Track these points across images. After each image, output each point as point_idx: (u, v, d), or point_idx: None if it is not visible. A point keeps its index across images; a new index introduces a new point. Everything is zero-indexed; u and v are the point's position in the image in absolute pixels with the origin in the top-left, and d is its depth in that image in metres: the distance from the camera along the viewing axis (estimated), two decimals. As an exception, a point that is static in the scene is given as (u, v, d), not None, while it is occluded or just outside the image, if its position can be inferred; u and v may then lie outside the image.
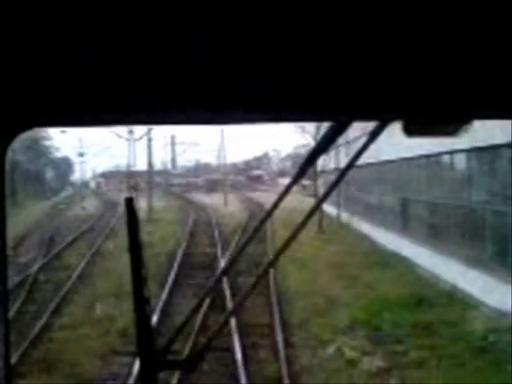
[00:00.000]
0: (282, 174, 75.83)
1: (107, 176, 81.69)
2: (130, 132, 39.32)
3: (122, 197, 47.79)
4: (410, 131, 1.19)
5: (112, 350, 9.28)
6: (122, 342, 9.51)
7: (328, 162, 28.20)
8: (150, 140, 39.82)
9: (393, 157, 19.02)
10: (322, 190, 39.95)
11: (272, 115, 1.20)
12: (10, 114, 1.21)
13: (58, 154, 70.99)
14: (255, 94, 1.13)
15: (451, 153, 14.39)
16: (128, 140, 40.93)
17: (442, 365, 8.43)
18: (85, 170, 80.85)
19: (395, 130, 1.23)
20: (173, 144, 72.06)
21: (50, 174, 69.72)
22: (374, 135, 1.37)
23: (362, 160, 1.58)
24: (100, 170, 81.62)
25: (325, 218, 23.99)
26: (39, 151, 59.75)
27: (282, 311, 11.70)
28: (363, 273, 15.09)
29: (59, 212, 38.64)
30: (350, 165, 1.47)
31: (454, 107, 1.13)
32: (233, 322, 9.89)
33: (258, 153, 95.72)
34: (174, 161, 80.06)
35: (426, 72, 1.10)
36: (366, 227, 23.06)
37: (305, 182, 47.94)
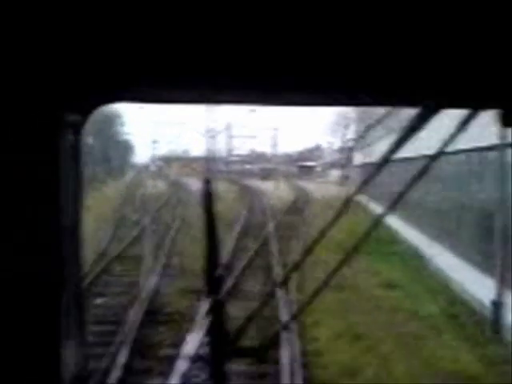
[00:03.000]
0: (333, 165, 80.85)
1: (167, 160, 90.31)
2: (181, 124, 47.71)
3: (184, 180, 56.39)
4: (508, 121, 1.15)
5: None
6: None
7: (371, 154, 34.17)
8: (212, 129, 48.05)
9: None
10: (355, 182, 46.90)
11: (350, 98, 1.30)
12: (87, 88, 1.31)
13: (122, 138, 79.86)
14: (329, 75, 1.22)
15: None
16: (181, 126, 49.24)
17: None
18: (144, 153, 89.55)
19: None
20: (229, 132, 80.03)
21: (115, 156, 78.55)
22: (463, 124, 1.30)
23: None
24: (159, 154, 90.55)
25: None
26: (107, 133, 68.17)
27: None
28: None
29: (134, 190, 47.44)
30: (438, 154, 1.39)
31: None
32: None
33: (311, 144, 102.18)
34: (230, 149, 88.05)
35: None
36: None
37: (347, 173, 55.23)
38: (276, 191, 46.71)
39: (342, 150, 66.27)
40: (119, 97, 1.38)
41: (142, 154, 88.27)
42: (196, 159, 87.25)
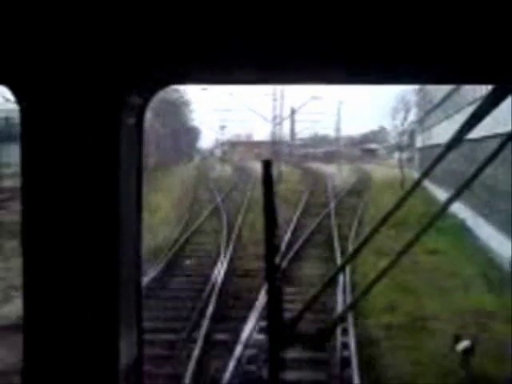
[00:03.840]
0: (396, 148, 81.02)
1: (231, 145, 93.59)
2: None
3: (249, 164, 59.23)
4: None
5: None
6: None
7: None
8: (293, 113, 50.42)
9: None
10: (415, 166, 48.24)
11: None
12: (150, 71, 1.33)
13: (190, 124, 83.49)
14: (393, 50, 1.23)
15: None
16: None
17: None
18: (208, 138, 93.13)
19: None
20: (292, 116, 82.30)
21: (183, 142, 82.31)
22: None
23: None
24: (223, 139, 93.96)
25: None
26: (176, 120, 71.81)
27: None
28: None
29: (204, 173, 50.79)
30: None
31: None
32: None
33: (375, 127, 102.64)
34: (293, 132, 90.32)
35: None
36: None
37: (410, 155, 56.62)
38: (338, 174, 49.05)
39: (404, 132, 67.16)
40: (180, 79, 1.42)
41: (206, 140, 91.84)
42: (259, 143, 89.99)
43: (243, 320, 11.08)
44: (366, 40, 1.25)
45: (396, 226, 23.03)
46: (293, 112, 78.65)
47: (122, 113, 1.33)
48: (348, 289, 12.94)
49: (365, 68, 1.29)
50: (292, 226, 21.34)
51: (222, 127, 70.09)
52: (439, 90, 34.78)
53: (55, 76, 1.31)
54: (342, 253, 16.84)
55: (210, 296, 12.47)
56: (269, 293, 1.45)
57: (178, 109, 67.14)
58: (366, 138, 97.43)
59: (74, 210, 1.33)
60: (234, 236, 19.39)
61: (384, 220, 1.54)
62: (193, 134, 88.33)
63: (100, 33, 1.29)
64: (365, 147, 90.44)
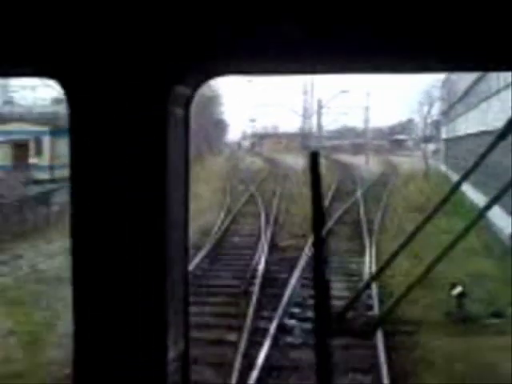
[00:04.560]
0: (426, 139, 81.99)
1: (259, 137, 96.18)
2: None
3: (277, 156, 61.79)
4: None
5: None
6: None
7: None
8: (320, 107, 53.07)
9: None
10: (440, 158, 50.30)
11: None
12: (198, 61, 1.35)
13: (219, 117, 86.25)
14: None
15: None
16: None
17: None
18: (236, 131, 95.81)
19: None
20: (319, 108, 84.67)
21: (213, 134, 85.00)
22: None
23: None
24: (251, 131, 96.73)
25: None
26: (207, 113, 74.43)
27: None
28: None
29: (234, 165, 53.77)
30: None
31: None
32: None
33: (404, 118, 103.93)
34: (320, 124, 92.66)
35: None
36: None
37: (432, 147, 58.78)
38: (365, 165, 51.72)
39: (429, 125, 68.52)
40: (227, 70, 1.42)
41: (234, 132, 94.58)
42: (287, 136, 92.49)
43: (287, 279, 14.10)
44: (396, 28, 1.27)
45: (418, 211, 25.83)
46: (320, 104, 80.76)
47: (170, 103, 1.36)
48: (373, 259, 15.89)
49: (396, 57, 1.31)
50: (324, 209, 24.19)
51: (252, 120, 72.69)
52: (463, 82, 37.05)
53: (103, 67, 1.36)
54: (369, 231, 19.77)
55: (258, 263, 15.50)
56: (316, 285, 1.45)
57: (209, 102, 69.87)
58: (395, 130, 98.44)
59: (122, 201, 1.37)
60: (271, 218, 22.40)
61: (426, 221, 1.61)
62: (221, 126, 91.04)
63: (149, 23, 1.33)
64: (393, 139, 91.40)
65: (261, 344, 10.11)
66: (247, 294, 13.10)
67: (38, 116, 43.88)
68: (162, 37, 1.34)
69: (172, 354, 1.40)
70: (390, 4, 1.26)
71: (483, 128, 27.23)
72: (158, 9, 1.33)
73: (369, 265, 15.11)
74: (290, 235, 19.76)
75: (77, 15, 1.34)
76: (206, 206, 25.20)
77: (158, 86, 1.35)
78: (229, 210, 24.66)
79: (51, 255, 15.81)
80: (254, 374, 8.91)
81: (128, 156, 1.36)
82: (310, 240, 18.51)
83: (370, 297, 12.21)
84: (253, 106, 76.94)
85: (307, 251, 16.79)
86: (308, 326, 11.17)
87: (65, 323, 10.22)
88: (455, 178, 37.41)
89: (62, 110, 47.68)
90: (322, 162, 54.53)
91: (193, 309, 11.79)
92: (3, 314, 11.50)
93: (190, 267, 14.15)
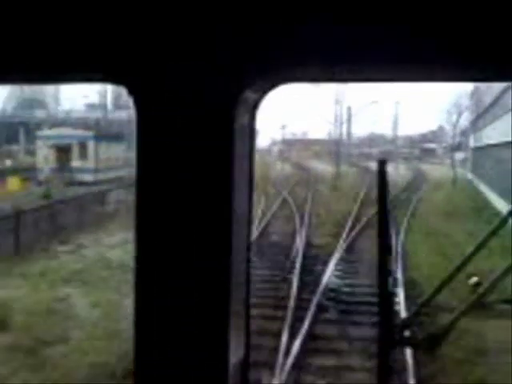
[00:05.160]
0: (456, 148, 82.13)
1: (287, 143, 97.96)
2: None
3: (307, 162, 63.42)
4: None
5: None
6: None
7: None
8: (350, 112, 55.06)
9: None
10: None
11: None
12: (265, 69, 1.35)
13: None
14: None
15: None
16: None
17: None
18: (266, 137, 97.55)
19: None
20: (349, 115, 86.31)
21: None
22: None
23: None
24: (277, 137, 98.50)
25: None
26: None
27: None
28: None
29: (266, 170, 55.72)
30: None
31: None
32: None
33: (434, 127, 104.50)
34: (349, 132, 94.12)
35: None
36: None
37: (460, 155, 60.13)
38: (394, 172, 53.59)
39: (457, 134, 69.18)
40: (293, 78, 1.43)
41: (264, 138, 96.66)
42: (316, 142, 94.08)
43: (322, 271, 16.25)
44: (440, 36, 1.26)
45: (444, 215, 27.77)
46: (350, 112, 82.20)
47: (238, 107, 1.37)
48: (400, 255, 17.96)
49: (440, 66, 1.28)
50: (353, 214, 26.38)
51: (283, 126, 74.72)
52: (491, 92, 38.78)
53: (170, 71, 1.36)
54: (396, 234, 21.82)
55: (296, 257, 17.68)
56: (380, 298, 1.45)
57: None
58: (425, 138, 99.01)
59: (187, 205, 1.38)
60: (305, 220, 24.56)
61: (478, 249, 1.59)
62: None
63: (221, 25, 1.33)
64: (423, 147, 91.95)
65: (303, 319, 12.28)
66: (286, 280, 15.27)
67: (74, 121, 46.65)
68: (234, 39, 1.35)
69: (233, 357, 1.40)
70: (426, 9, 1.26)
71: (506, 139, 29.15)
72: (231, 11, 1.35)
73: (395, 261, 17.18)
74: (322, 235, 21.90)
75: (144, 21, 1.38)
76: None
77: (227, 90, 1.36)
78: (264, 213, 26.86)
79: (113, 246, 18.15)
80: (298, 342, 11.09)
81: (194, 159, 1.38)
82: (341, 240, 20.64)
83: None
84: (282, 112, 78.38)
85: (339, 249, 18.98)
86: (342, 306, 13.34)
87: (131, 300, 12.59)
88: (480, 185, 39.03)
89: (95, 115, 50.28)
90: (352, 169, 56.58)
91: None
92: (83, 293, 13.82)
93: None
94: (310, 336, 11.63)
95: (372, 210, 28.66)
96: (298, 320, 12.24)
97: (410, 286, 14.78)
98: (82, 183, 32.74)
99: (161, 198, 1.40)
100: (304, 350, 10.89)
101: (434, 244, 19.23)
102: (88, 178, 35.46)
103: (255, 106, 1.45)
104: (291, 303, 13.31)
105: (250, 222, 1.48)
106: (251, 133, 1.46)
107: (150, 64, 1.38)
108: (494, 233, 1.57)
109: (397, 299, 13.47)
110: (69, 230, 20.23)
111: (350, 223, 24.08)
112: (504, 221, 1.63)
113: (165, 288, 1.39)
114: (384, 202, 1.43)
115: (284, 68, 1.36)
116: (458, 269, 1.62)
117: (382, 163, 1.42)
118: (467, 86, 48.26)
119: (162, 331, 1.39)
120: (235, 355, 1.42)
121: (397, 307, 13.08)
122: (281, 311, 12.95)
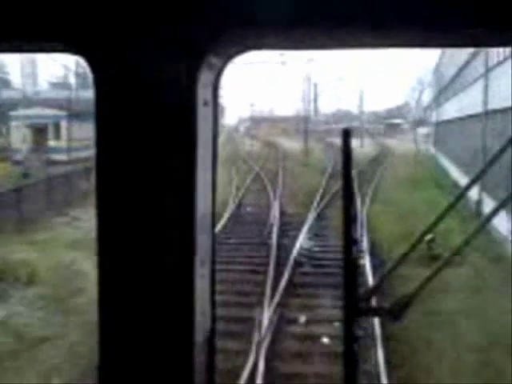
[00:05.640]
0: (420, 123, 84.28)
1: (255, 121, 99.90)
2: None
3: (275, 139, 65.66)
4: None
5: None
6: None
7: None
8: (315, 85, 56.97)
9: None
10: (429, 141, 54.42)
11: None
12: (227, 34, 1.34)
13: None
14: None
15: None
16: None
17: None
18: (232, 115, 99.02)
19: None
20: (315, 92, 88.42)
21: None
22: None
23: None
24: (246, 115, 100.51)
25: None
26: None
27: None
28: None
29: (234, 148, 57.84)
30: None
31: None
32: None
33: (400, 102, 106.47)
34: (316, 109, 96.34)
35: None
36: None
37: (424, 130, 62.73)
38: (359, 148, 56.19)
39: (424, 109, 71.38)
40: (257, 43, 1.42)
41: (231, 115, 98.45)
42: (282, 119, 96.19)
43: (296, 235, 18.61)
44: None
45: (405, 186, 30.26)
46: (316, 89, 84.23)
47: (200, 74, 1.36)
48: (365, 223, 20.38)
49: (391, 31, 1.31)
50: (322, 186, 28.81)
51: (252, 104, 76.73)
52: (452, 69, 41.14)
53: (130, 40, 1.36)
54: (362, 202, 24.27)
55: (273, 224, 19.99)
56: (345, 266, 1.46)
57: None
58: (391, 114, 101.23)
59: (149, 182, 1.37)
60: (277, 192, 26.88)
61: (438, 220, 1.65)
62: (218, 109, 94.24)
63: (178, 3, 1.33)
64: (389, 122, 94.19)
65: (283, 273, 14.63)
66: (266, 245, 17.57)
67: (43, 102, 47.60)
68: (193, 1, 1.34)
69: (198, 339, 1.42)
70: None
71: (464, 113, 31.45)
72: None
73: (360, 228, 19.60)
74: (294, 205, 24.26)
75: None
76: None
77: (188, 55, 1.35)
78: (238, 187, 29.08)
79: (105, 217, 20.09)
80: (281, 287, 13.45)
81: (156, 135, 1.38)
82: (312, 208, 22.99)
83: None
84: (250, 90, 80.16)
85: (310, 216, 21.39)
86: (314, 262, 15.79)
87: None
88: (441, 158, 41.63)
89: (61, 94, 51.00)
90: (318, 145, 58.99)
91: (231, 253, 16.38)
92: (86, 256, 15.87)
93: (218, 227, 18.61)
94: (290, 283, 14.04)
95: (339, 183, 30.87)
96: (278, 274, 14.57)
97: (372, 246, 17.32)
98: (55, 162, 33.87)
99: (121, 176, 1.41)
100: (286, 295, 13.27)
101: (393, 211, 21.80)
102: (62, 157, 36.84)
103: (217, 80, 1.46)
104: (272, 260, 15.66)
105: (213, 200, 1.50)
106: (214, 107, 1.47)
107: (112, 37, 1.39)
108: (452, 206, 1.75)
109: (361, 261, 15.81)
110: (61, 205, 22.20)
111: (319, 194, 26.45)
112: (462, 194, 1.88)
113: (127, 265, 1.42)
114: (348, 171, 1.55)
115: (245, 35, 1.37)
116: (419, 240, 1.82)
117: (347, 133, 1.53)
118: (429, 63, 50.76)
119: (124, 311, 1.42)
120: (201, 332, 1.45)
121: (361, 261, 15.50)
122: (263, 267, 15.26)
